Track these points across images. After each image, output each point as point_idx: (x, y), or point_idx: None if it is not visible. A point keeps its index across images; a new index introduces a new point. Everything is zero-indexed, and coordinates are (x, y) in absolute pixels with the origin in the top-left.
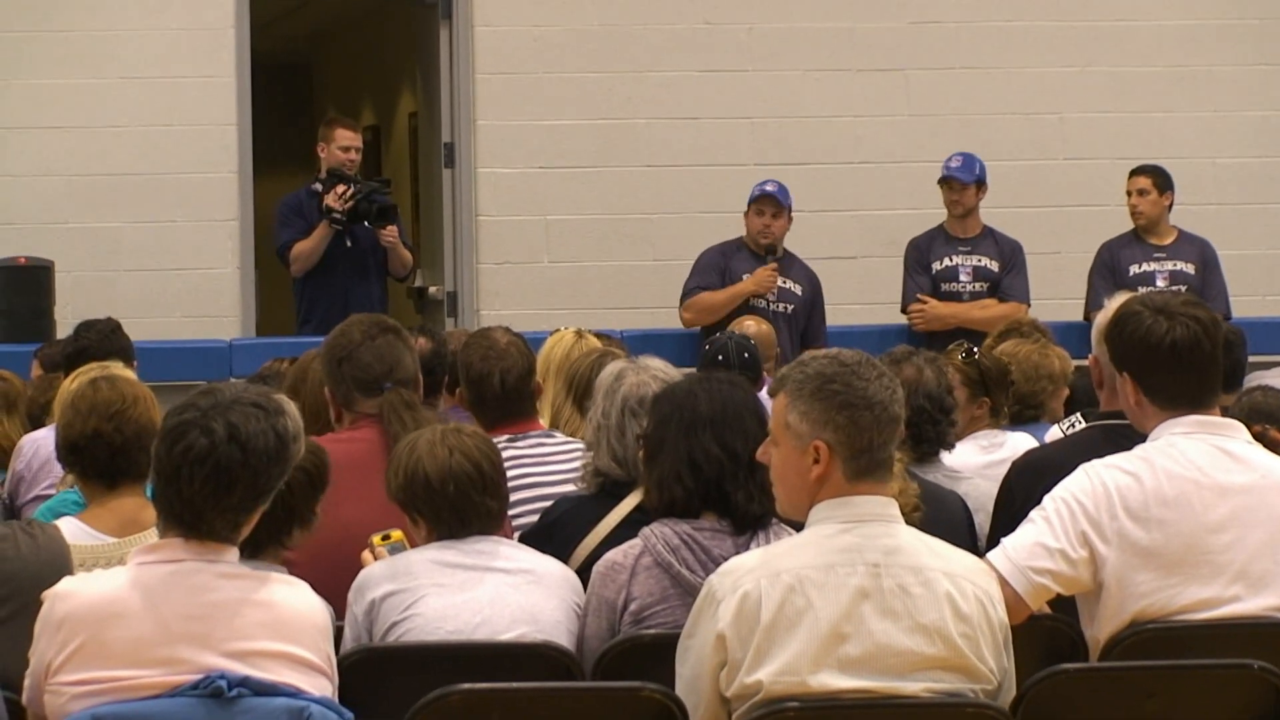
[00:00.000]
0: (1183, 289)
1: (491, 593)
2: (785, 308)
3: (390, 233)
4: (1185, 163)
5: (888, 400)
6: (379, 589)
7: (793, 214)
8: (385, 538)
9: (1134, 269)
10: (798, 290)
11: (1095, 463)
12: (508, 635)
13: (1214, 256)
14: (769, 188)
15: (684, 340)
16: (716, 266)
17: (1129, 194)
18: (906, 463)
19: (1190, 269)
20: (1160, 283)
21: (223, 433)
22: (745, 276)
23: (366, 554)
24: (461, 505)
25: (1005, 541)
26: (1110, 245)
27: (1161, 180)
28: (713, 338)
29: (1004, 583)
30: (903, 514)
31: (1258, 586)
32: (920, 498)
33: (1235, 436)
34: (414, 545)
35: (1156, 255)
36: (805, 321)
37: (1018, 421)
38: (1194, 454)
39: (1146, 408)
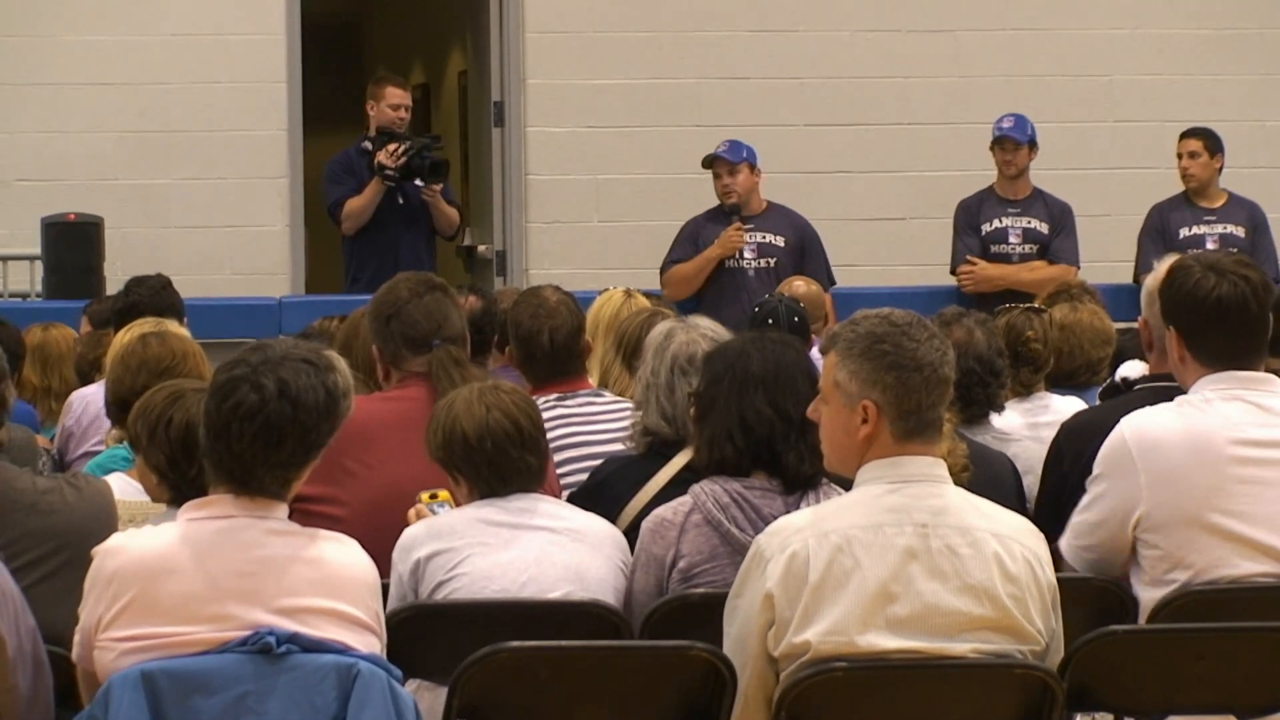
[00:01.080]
0: (1233, 252)
1: (537, 551)
2: (767, 263)
3: (430, 190)
4: (1233, 125)
5: (938, 362)
6: (423, 549)
7: (757, 167)
8: (433, 496)
9: (1184, 232)
10: (780, 242)
11: (1125, 420)
12: (554, 594)
13: (1264, 219)
14: (718, 150)
15: None
16: (690, 237)
17: (1179, 156)
18: (955, 424)
19: (1240, 232)
20: (1210, 245)
21: (273, 388)
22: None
23: (412, 512)
24: (500, 462)
25: (1072, 523)
26: (1160, 208)
27: (1212, 143)
28: (762, 299)
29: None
30: (951, 474)
31: None
32: (969, 458)
33: (1273, 391)
34: (459, 504)
35: (1206, 218)
36: (796, 270)
37: (1071, 385)
38: (1226, 409)
39: (1189, 363)
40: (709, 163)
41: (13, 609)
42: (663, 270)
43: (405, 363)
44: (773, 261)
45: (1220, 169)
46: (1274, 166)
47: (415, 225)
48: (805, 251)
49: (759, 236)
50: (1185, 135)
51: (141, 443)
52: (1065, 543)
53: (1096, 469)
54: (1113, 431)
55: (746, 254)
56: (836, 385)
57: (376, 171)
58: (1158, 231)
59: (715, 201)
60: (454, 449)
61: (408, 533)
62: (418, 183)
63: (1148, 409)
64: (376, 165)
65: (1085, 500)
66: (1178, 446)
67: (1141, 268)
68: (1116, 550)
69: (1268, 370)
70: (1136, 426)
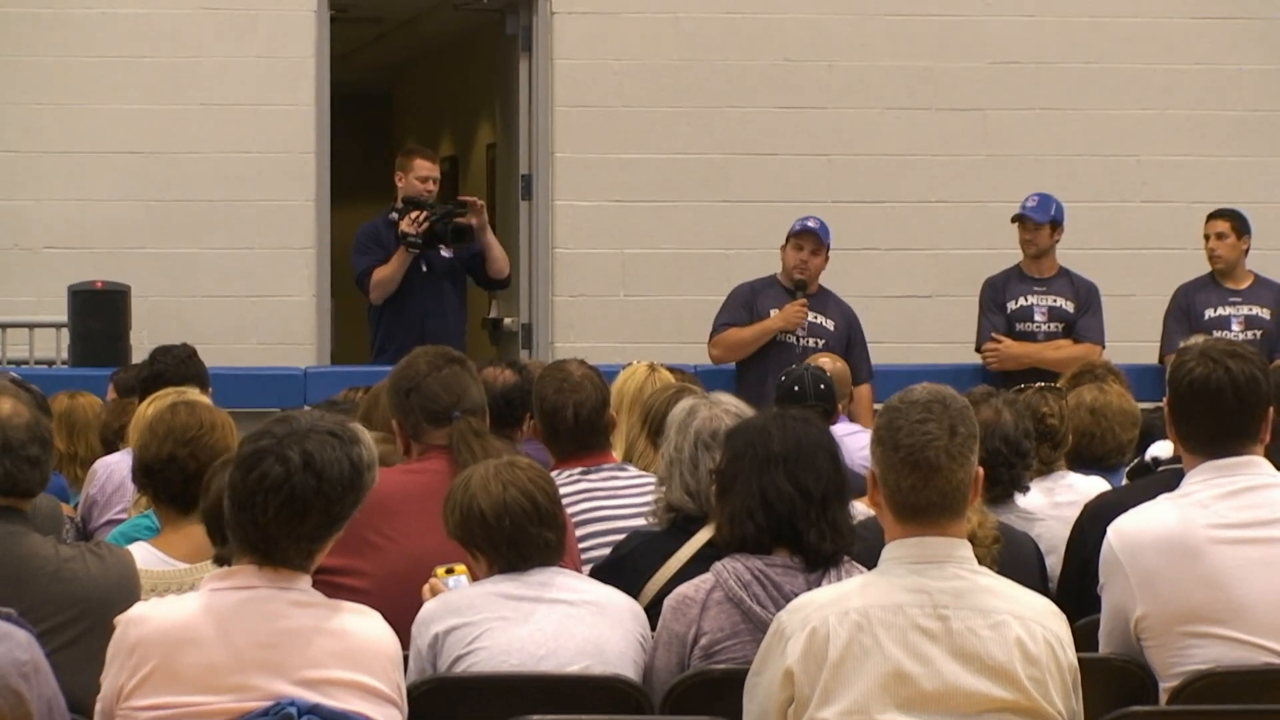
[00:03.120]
0: (1258, 334)
1: (556, 625)
2: (816, 343)
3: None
4: (1263, 207)
5: (919, 446)
6: (442, 623)
7: (830, 254)
8: (449, 570)
9: (1209, 313)
10: (830, 326)
11: (1111, 524)
12: (573, 667)
13: None
14: (810, 223)
15: None
16: (745, 302)
17: (1206, 237)
18: (981, 503)
19: (1266, 314)
20: (1235, 326)
21: (298, 461)
22: (773, 312)
23: (427, 587)
24: (518, 539)
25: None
26: (1186, 289)
27: (1240, 224)
28: (788, 369)
29: None
30: (984, 545)
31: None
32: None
33: (1255, 473)
34: (476, 579)
35: (1232, 299)
36: (844, 358)
37: (1100, 468)
38: (1205, 498)
39: (1180, 450)
40: (797, 232)
41: (40, 683)
42: (715, 331)
43: (426, 435)
44: (821, 343)
45: (1247, 250)
46: None
47: (440, 294)
48: (851, 341)
49: (812, 316)
50: (1213, 216)
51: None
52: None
53: (1100, 576)
54: (1105, 537)
55: (798, 331)
56: None
57: (400, 239)
58: (1183, 312)
59: (741, 276)
60: (472, 527)
61: (426, 608)
62: (442, 248)
63: (1133, 511)
64: (400, 233)
65: (1102, 607)
66: (1156, 547)
67: (1166, 348)
68: (1134, 652)
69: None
70: (1118, 530)
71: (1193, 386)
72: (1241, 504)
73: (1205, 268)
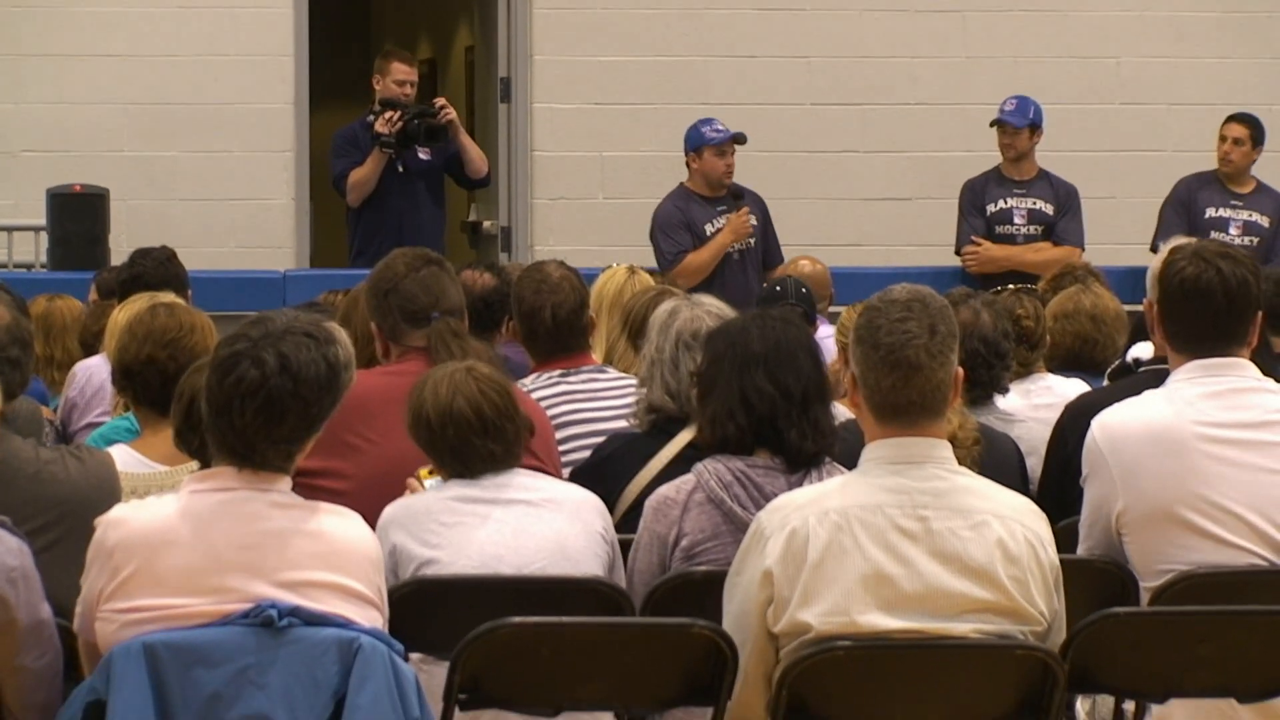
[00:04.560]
0: (1254, 240)
1: (515, 524)
2: (745, 244)
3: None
4: (1241, 108)
5: (899, 345)
6: (399, 533)
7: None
8: (430, 472)
9: (1210, 211)
10: (754, 221)
11: (1096, 418)
12: (534, 566)
13: None
14: (723, 126)
15: None
16: (683, 224)
17: (1222, 139)
18: (961, 404)
19: (1265, 221)
20: (1233, 230)
21: (274, 363)
22: (708, 226)
23: (411, 483)
24: (461, 449)
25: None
26: (1189, 182)
27: (1258, 132)
28: (771, 277)
29: None
30: (964, 447)
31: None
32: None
33: (1241, 375)
34: None
35: (1234, 202)
36: (763, 248)
37: (1095, 371)
38: (1191, 395)
39: (1166, 348)
40: (722, 140)
41: (28, 590)
42: (671, 263)
43: (404, 337)
44: (752, 242)
45: (1257, 159)
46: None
47: (417, 195)
48: (766, 226)
49: (722, 221)
50: (1233, 119)
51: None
52: (1079, 548)
53: (1083, 469)
54: (1089, 428)
55: (743, 243)
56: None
57: (374, 140)
58: (1183, 205)
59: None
60: (419, 430)
61: (384, 514)
62: (420, 155)
63: (1120, 404)
64: (374, 134)
65: (1084, 502)
66: (1141, 440)
67: (1161, 237)
68: (1114, 548)
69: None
70: (1103, 423)
71: (1183, 285)
72: (1227, 404)
73: (1186, 168)
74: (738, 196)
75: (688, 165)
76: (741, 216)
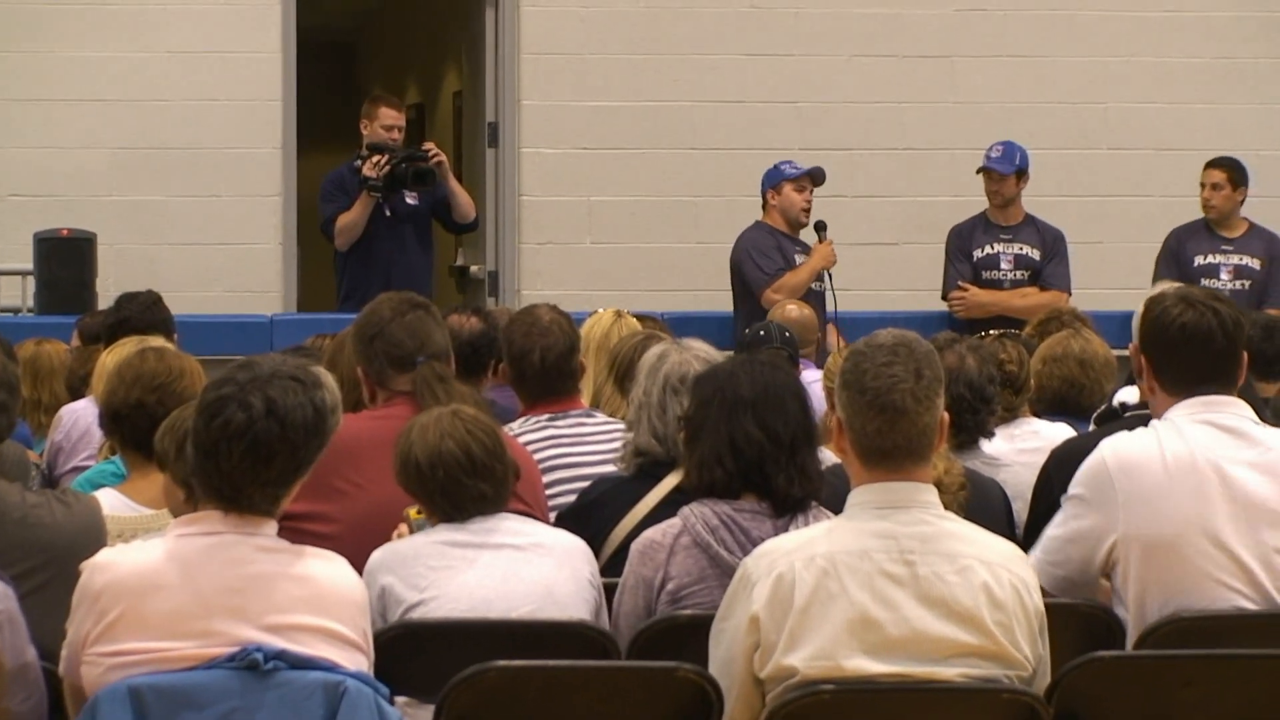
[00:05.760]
0: (1246, 284)
1: (504, 569)
2: (825, 275)
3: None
4: (1229, 155)
5: (885, 389)
6: (388, 575)
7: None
8: (419, 512)
9: (1199, 259)
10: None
11: (1105, 441)
12: (522, 610)
13: None
14: (803, 167)
15: (725, 323)
16: (774, 247)
17: (1202, 186)
18: (949, 448)
19: (1256, 264)
20: (1224, 275)
21: (261, 407)
22: (797, 260)
23: (400, 528)
24: (451, 490)
25: (1043, 539)
26: (1178, 233)
27: (1237, 174)
28: (754, 324)
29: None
30: (949, 492)
31: (1273, 570)
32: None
33: (1239, 415)
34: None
35: (1224, 247)
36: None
37: (1082, 416)
38: (1197, 433)
39: (1157, 392)
40: (799, 175)
41: (14, 633)
42: (772, 278)
43: (390, 381)
44: (828, 276)
45: (1243, 200)
46: (1270, 196)
47: (404, 239)
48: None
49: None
50: (1211, 165)
51: (170, 457)
52: (1035, 557)
53: (1073, 488)
54: (1093, 452)
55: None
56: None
57: (361, 184)
58: (1173, 256)
59: (707, 223)
60: (409, 474)
61: (373, 558)
62: (408, 199)
63: (1126, 432)
64: (362, 178)
65: (1060, 517)
66: (1156, 470)
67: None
68: (1084, 571)
69: (1249, 396)
70: (1116, 448)
71: (1184, 330)
72: (1236, 441)
73: (1171, 214)
74: (820, 228)
75: (765, 203)
76: (828, 245)
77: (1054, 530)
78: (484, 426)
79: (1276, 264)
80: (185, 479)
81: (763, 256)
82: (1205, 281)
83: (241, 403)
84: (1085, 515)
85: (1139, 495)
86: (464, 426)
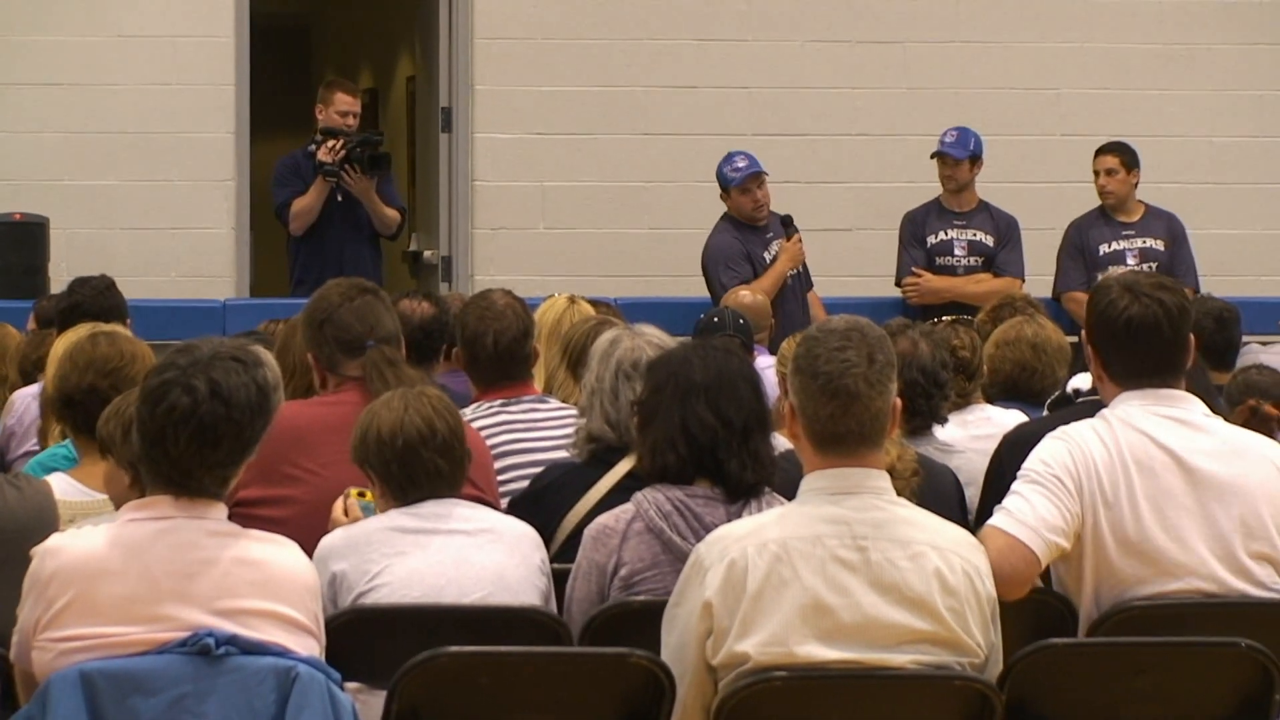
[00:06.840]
0: (1153, 266)
1: (455, 554)
2: (799, 268)
3: (352, 179)
4: (1182, 141)
5: (837, 373)
6: (339, 562)
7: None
8: (361, 494)
9: (1104, 248)
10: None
11: (1067, 428)
12: (474, 596)
13: (1182, 231)
14: (743, 162)
15: (679, 309)
16: (742, 255)
17: (1096, 174)
18: (901, 435)
19: (1160, 245)
20: (1131, 260)
21: (205, 390)
22: (766, 254)
23: (338, 504)
24: (409, 460)
25: (1007, 505)
26: (1078, 225)
27: (1129, 158)
28: (710, 309)
29: (1018, 545)
30: (903, 479)
31: (1231, 560)
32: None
33: (1188, 407)
34: (381, 510)
35: (1125, 233)
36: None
37: (1034, 401)
38: (1148, 425)
39: (1105, 382)
40: (745, 178)
41: None
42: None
43: (341, 367)
44: (801, 268)
45: (1137, 183)
46: (1223, 183)
47: (358, 225)
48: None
49: (775, 246)
50: (1101, 151)
51: (115, 442)
52: (1018, 520)
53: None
54: (1053, 443)
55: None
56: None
57: (317, 169)
58: (1077, 249)
59: (661, 209)
60: (368, 446)
61: (323, 544)
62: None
63: (1076, 424)
64: (317, 163)
65: (1044, 488)
66: (1113, 464)
67: (1061, 285)
68: (1071, 542)
69: (1215, 383)
70: (1076, 442)
71: (1130, 323)
72: (1189, 433)
73: None
74: (787, 224)
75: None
76: (795, 243)
77: (1038, 496)
78: (450, 409)
79: (1179, 243)
80: (132, 462)
81: (727, 269)
82: (1113, 269)
83: (185, 387)
84: (1065, 489)
85: (1098, 489)
86: (430, 404)
